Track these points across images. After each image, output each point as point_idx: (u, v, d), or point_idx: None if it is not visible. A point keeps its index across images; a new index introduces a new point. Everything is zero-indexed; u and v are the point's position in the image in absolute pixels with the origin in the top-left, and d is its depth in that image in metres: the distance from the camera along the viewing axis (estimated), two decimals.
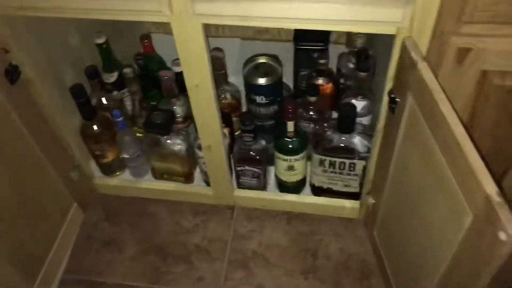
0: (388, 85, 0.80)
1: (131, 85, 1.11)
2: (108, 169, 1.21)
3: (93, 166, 1.23)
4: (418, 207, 0.77)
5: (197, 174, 1.21)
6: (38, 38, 0.95)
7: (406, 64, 0.70)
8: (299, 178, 1.13)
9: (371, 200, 1.02)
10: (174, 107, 1.09)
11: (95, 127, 1.10)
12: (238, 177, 1.15)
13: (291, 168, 1.07)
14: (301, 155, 1.05)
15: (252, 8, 0.71)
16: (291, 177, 1.11)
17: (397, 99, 0.77)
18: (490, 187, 0.54)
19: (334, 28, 0.73)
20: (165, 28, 1.41)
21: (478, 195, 0.55)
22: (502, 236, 0.51)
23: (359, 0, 0.67)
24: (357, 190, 1.10)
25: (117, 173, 1.23)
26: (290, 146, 1.03)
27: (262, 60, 1.06)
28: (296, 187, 1.16)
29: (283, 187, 1.16)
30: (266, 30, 1.41)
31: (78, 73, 1.09)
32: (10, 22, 0.86)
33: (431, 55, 0.74)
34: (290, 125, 1.00)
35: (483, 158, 0.57)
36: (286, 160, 1.05)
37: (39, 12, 0.79)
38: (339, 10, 0.69)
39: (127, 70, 1.08)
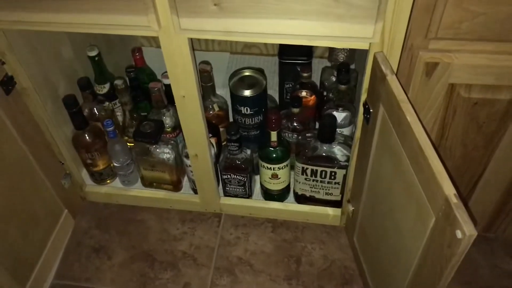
0: (363, 96, 0.85)
1: (122, 96, 1.16)
2: (99, 177, 1.25)
3: (84, 174, 1.26)
4: (391, 212, 0.81)
5: (185, 182, 1.25)
6: (33, 50, 1.00)
7: (378, 77, 0.75)
8: (283, 186, 1.17)
9: (350, 208, 1.06)
10: (163, 118, 1.13)
11: (86, 137, 1.14)
12: (224, 185, 1.19)
13: (275, 176, 1.12)
14: (285, 163, 1.10)
15: (233, 24, 0.75)
16: (276, 185, 1.15)
17: (371, 110, 0.81)
18: (448, 189, 0.58)
19: (311, 43, 0.78)
20: (156, 42, 1.46)
21: (439, 197, 0.60)
22: (459, 234, 0.56)
23: (333, 17, 0.72)
24: (338, 198, 1.14)
25: (108, 181, 1.27)
26: (274, 155, 1.08)
27: (247, 73, 1.11)
28: (280, 195, 1.20)
29: (268, 195, 1.20)
30: (254, 45, 1.47)
31: (71, 84, 1.13)
32: (7, 34, 0.90)
33: (402, 68, 0.79)
34: (274, 135, 1.04)
35: (445, 166, 0.62)
36: (270, 168, 1.10)
37: (34, 26, 0.83)
38: (314, 27, 0.74)
39: (118, 82, 1.12)
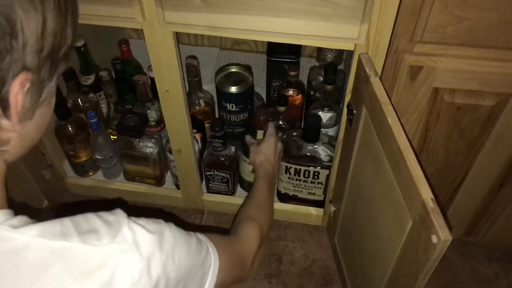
0: (347, 97, 0.84)
1: (107, 88, 1.14)
2: (81, 170, 1.24)
3: (67, 166, 1.25)
4: (370, 214, 0.81)
5: (168, 177, 1.24)
6: None
7: (362, 78, 0.75)
8: None
9: (332, 208, 1.06)
10: (148, 111, 1.12)
11: (69, 128, 1.13)
12: (207, 181, 1.18)
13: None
14: None
15: (218, 19, 0.75)
16: None
17: (354, 111, 0.81)
18: (426, 194, 0.58)
19: (296, 42, 0.78)
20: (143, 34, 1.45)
21: (416, 201, 0.60)
22: (434, 239, 0.56)
23: (319, 17, 0.72)
24: (321, 198, 1.14)
25: (90, 173, 1.26)
26: None
27: (234, 69, 1.10)
28: None
29: (248, 187, 1.17)
30: (243, 41, 1.46)
31: None
32: None
33: (387, 71, 0.79)
34: (260, 134, 1.03)
35: (426, 170, 0.62)
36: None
37: None
38: (300, 25, 0.74)
39: (103, 73, 1.11)
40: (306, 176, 1.08)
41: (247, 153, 1.07)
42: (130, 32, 1.47)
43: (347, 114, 0.85)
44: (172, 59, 0.85)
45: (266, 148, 1.00)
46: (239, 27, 0.76)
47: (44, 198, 1.20)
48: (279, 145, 1.03)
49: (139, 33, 1.47)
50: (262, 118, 1.02)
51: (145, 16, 0.77)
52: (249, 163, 1.07)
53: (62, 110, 1.09)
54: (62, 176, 1.24)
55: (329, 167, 1.04)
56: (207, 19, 0.75)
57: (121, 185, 1.24)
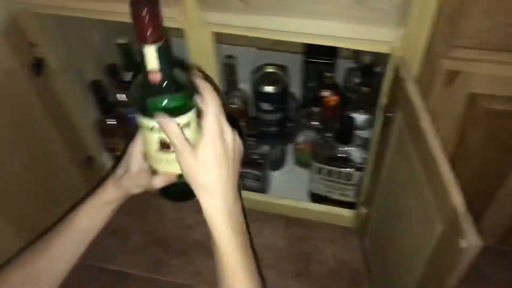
0: (383, 100, 0.85)
1: None
2: None
3: (106, 158, 1.30)
4: (401, 217, 0.81)
5: None
6: (63, 34, 1.03)
7: (397, 82, 0.75)
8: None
9: (364, 210, 1.07)
10: None
11: (110, 122, 1.17)
12: (240, 178, 1.20)
13: (164, 145, 0.61)
14: (182, 118, 0.59)
15: (257, 21, 0.77)
16: (168, 166, 0.64)
17: (389, 114, 0.81)
18: (457, 199, 0.58)
19: (332, 44, 0.79)
20: (182, 32, 1.48)
21: (447, 206, 0.60)
22: (463, 244, 0.56)
23: (356, 20, 0.73)
24: (353, 199, 1.15)
25: None
26: (157, 99, 0.58)
27: (270, 69, 1.12)
28: (180, 191, 0.67)
29: (167, 191, 0.69)
30: (280, 41, 1.47)
31: (99, 70, 1.17)
32: (40, 18, 0.94)
33: (423, 75, 0.79)
34: (150, 53, 0.55)
35: (459, 176, 0.61)
36: (152, 128, 0.60)
37: (66, 11, 0.86)
38: (337, 28, 0.75)
39: None
40: (339, 177, 1.09)
41: (141, 108, 0.60)
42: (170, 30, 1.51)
43: (382, 117, 0.85)
44: (211, 58, 0.87)
45: (209, 159, 0.57)
46: (277, 29, 0.77)
47: (85, 188, 1.25)
48: (234, 144, 0.60)
49: (176, 31, 1.50)
50: (146, 13, 0.53)
51: (186, 16, 0.80)
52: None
53: (104, 105, 1.14)
54: (102, 167, 1.29)
55: (362, 169, 1.05)
56: (246, 20, 0.77)
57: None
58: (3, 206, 0.94)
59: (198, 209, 1.28)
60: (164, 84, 0.57)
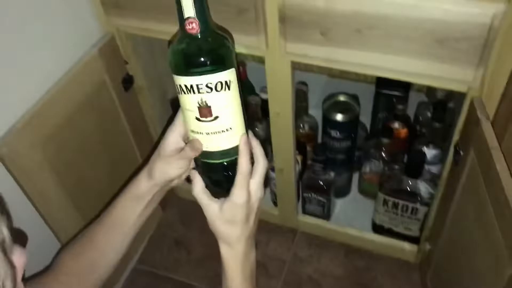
0: (455, 137, 0.84)
1: None
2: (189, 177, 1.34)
3: None
4: (468, 257, 0.80)
5: (267, 193, 1.31)
6: (152, 54, 1.11)
7: (472, 121, 0.75)
8: (230, 147, 0.59)
9: (427, 246, 1.05)
10: (256, 129, 1.20)
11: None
12: (304, 203, 1.22)
13: (205, 110, 0.56)
14: (222, 75, 0.55)
15: (336, 53, 0.80)
16: (212, 138, 0.58)
17: (462, 152, 0.81)
18: None
19: (410, 80, 0.80)
20: (259, 58, 1.54)
21: None
22: None
23: (435, 58, 0.74)
24: (417, 234, 1.13)
25: None
26: (196, 51, 0.55)
27: (342, 98, 1.14)
28: (229, 165, 0.60)
29: (208, 166, 0.62)
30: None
31: None
32: (134, 39, 1.02)
33: (499, 116, 0.78)
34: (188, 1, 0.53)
35: None
36: (191, 89, 0.55)
37: (159, 34, 0.94)
38: (415, 64, 0.76)
39: None
40: (404, 211, 1.08)
41: (178, 65, 0.57)
42: (246, 56, 1.57)
43: (454, 154, 0.85)
44: (287, 85, 0.91)
45: (236, 219, 0.61)
46: (355, 61, 0.80)
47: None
48: (260, 201, 0.64)
49: (254, 57, 1.56)
50: None
51: (269, 45, 0.84)
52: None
53: None
54: None
55: (428, 204, 1.04)
56: (325, 52, 0.80)
57: None
58: (83, 207, 1.01)
59: (258, 229, 1.31)
60: (202, 33, 0.55)
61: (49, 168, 0.89)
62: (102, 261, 0.73)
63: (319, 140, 1.27)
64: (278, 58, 0.86)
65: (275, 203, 1.27)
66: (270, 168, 1.17)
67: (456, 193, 0.85)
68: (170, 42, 0.62)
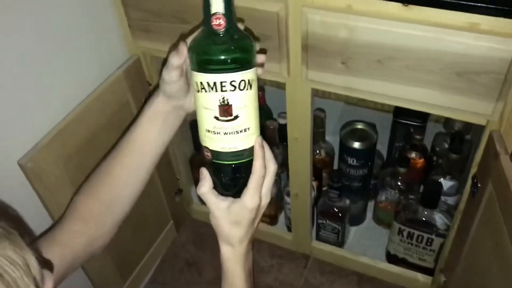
0: (473, 169, 0.85)
1: None
2: None
3: (193, 193, 1.38)
4: None
5: (281, 218, 1.31)
6: None
7: (490, 154, 0.75)
8: (245, 147, 0.58)
9: (442, 278, 1.04)
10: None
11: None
12: (318, 229, 1.22)
13: (226, 109, 0.55)
14: (245, 74, 0.55)
15: (356, 82, 0.81)
16: (228, 139, 0.57)
17: (479, 184, 0.81)
18: None
19: (427, 111, 0.81)
20: (277, 84, 1.56)
21: None
22: None
23: (454, 90, 0.75)
24: (431, 265, 1.12)
25: None
26: (222, 47, 0.55)
27: (359, 126, 1.15)
28: (241, 175, 0.59)
29: (218, 167, 0.60)
30: None
31: None
32: (157, 61, 1.05)
33: None
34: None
35: None
36: (213, 87, 0.54)
37: None
38: (434, 96, 0.77)
39: None
40: (419, 241, 1.07)
41: (200, 56, 0.55)
42: (265, 81, 1.60)
43: (471, 186, 0.85)
44: (306, 111, 0.93)
45: (242, 222, 0.60)
46: (374, 91, 0.81)
47: (170, 218, 1.33)
48: (265, 207, 0.62)
49: (272, 82, 1.59)
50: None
51: (290, 72, 0.86)
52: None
53: (197, 141, 1.22)
54: (188, 201, 1.37)
55: (444, 236, 1.03)
56: (345, 80, 0.82)
57: None
58: None
59: (271, 254, 1.32)
60: (228, 30, 0.54)
61: (70, 184, 0.91)
62: (120, 198, 0.71)
63: (335, 166, 1.27)
64: (299, 85, 0.88)
65: (289, 228, 1.27)
66: (286, 193, 1.18)
67: (473, 225, 0.84)
68: (169, 51, 0.61)
